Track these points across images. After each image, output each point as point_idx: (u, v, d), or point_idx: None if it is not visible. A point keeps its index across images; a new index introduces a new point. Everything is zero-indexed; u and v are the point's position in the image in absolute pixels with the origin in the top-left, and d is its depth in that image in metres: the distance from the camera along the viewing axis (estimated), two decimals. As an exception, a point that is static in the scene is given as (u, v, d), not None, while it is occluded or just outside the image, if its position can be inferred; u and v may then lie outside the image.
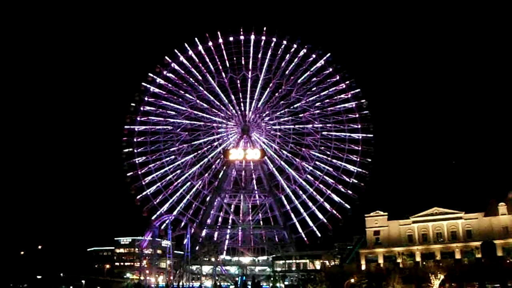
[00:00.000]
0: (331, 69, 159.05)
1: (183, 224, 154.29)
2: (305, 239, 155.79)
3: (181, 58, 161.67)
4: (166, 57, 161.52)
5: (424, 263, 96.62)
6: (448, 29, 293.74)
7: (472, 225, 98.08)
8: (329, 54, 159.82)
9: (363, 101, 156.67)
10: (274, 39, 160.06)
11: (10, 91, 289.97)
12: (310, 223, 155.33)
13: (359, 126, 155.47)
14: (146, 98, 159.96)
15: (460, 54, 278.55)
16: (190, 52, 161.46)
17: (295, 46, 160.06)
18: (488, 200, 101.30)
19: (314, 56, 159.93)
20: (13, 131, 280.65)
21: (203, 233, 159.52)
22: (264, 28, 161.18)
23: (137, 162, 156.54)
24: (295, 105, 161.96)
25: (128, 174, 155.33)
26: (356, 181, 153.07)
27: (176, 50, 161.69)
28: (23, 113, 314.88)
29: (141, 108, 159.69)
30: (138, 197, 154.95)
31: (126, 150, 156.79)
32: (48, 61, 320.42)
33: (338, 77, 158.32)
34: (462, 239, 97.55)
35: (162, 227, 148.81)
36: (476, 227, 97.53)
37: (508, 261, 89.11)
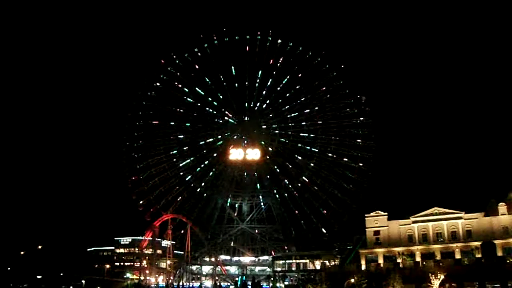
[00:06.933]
0: (328, 66, 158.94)
1: (184, 225, 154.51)
2: (310, 236, 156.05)
3: (179, 60, 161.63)
4: (163, 60, 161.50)
5: (424, 263, 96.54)
6: (448, 28, 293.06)
7: (472, 225, 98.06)
8: (325, 51, 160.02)
9: (362, 97, 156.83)
10: (271, 38, 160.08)
11: (10, 92, 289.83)
12: (314, 220, 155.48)
13: (359, 122, 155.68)
14: (144, 101, 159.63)
15: (460, 54, 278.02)
16: (188, 54, 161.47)
17: (291, 44, 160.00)
18: (488, 200, 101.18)
19: (311, 53, 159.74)
20: (14, 132, 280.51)
21: (204, 233, 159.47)
22: (260, 28, 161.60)
23: (138, 167, 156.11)
24: (294, 103, 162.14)
25: (130, 180, 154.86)
26: (358, 177, 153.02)
27: (173, 52, 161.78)
28: (24, 114, 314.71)
29: (140, 112, 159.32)
30: (141, 202, 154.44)
31: (126, 155, 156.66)
32: (48, 62, 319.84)
33: (336, 74, 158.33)
34: (462, 239, 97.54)
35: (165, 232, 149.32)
36: (476, 227, 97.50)
37: (508, 261, 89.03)
